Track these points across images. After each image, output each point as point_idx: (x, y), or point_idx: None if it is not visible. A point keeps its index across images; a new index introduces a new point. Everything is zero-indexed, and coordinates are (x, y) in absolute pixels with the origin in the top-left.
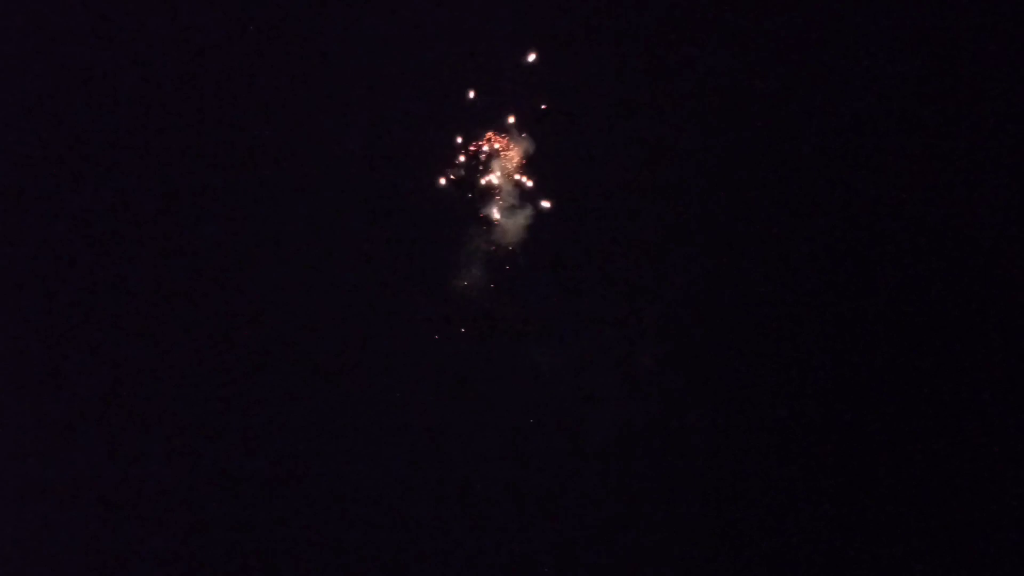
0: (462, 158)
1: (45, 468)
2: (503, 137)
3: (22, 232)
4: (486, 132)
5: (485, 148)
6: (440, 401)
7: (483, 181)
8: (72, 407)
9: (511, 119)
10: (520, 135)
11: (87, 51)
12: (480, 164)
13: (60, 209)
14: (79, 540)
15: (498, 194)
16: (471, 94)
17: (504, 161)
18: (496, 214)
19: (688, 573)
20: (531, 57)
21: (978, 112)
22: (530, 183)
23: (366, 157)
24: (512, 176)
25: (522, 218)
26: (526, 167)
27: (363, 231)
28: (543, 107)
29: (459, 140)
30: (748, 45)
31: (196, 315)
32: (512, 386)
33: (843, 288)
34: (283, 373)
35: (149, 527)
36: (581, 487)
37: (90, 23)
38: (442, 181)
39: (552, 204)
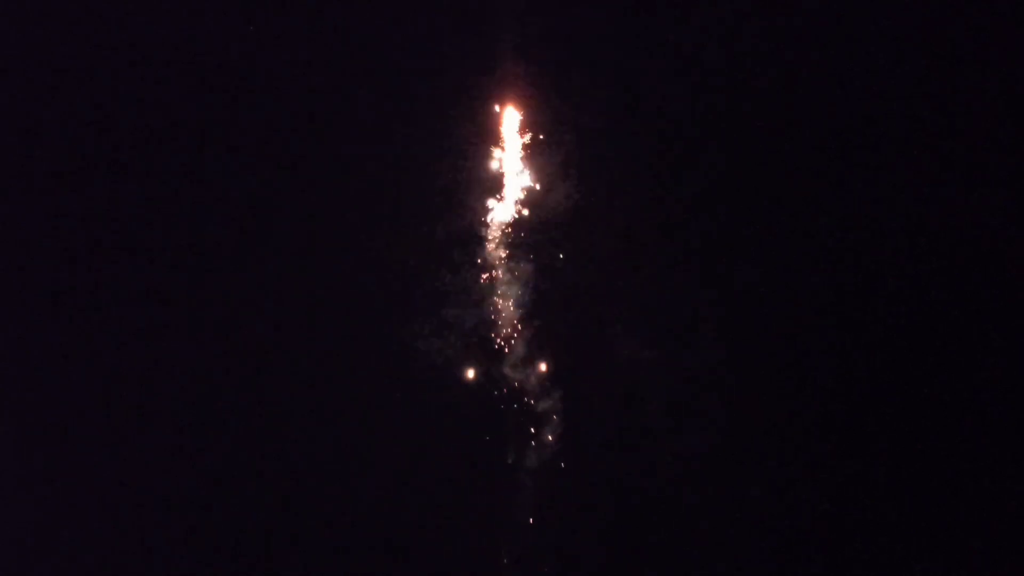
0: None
1: (45, 468)
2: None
3: (22, 232)
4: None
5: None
6: (441, 403)
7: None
8: (71, 407)
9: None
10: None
11: (86, 50)
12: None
13: (59, 208)
14: (79, 540)
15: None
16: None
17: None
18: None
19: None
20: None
21: (978, 112)
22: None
23: (369, 158)
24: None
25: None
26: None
27: (365, 233)
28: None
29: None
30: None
31: (196, 315)
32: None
33: (845, 289)
34: (283, 375)
35: (149, 527)
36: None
37: (88, 21)
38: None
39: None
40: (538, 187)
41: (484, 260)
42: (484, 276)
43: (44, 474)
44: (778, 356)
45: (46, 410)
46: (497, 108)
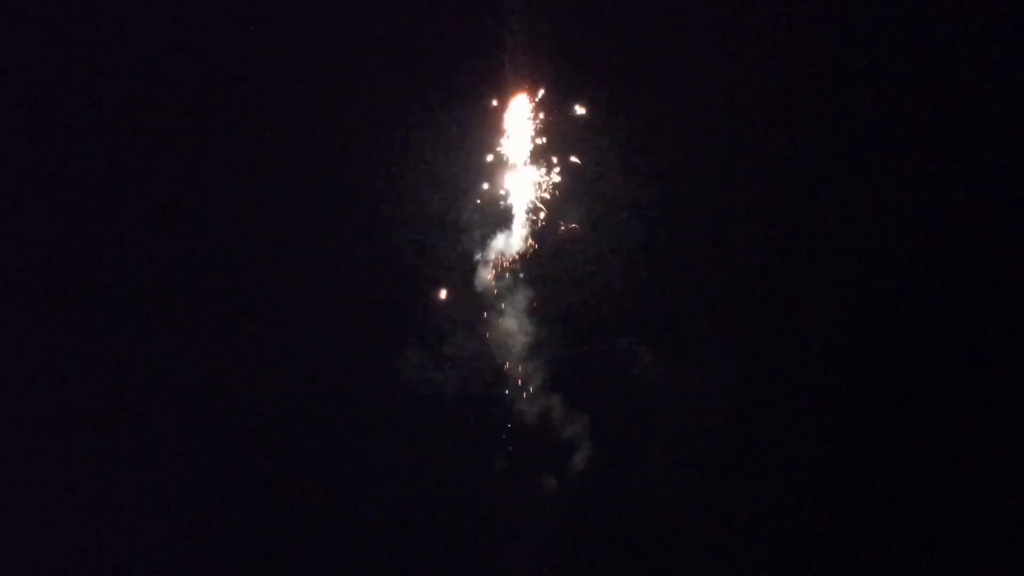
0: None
1: (44, 468)
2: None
3: (21, 232)
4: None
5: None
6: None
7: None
8: (71, 408)
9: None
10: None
11: (86, 49)
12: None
13: (59, 208)
14: (78, 540)
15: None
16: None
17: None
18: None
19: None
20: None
21: (978, 112)
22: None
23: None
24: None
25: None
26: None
27: (366, 233)
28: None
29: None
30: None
31: (196, 317)
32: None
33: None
34: (283, 376)
35: (149, 528)
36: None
37: (89, 20)
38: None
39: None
40: (541, 212)
41: (484, 289)
42: (484, 305)
43: (44, 474)
44: (783, 369)
45: (46, 410)
46: (500, 131)
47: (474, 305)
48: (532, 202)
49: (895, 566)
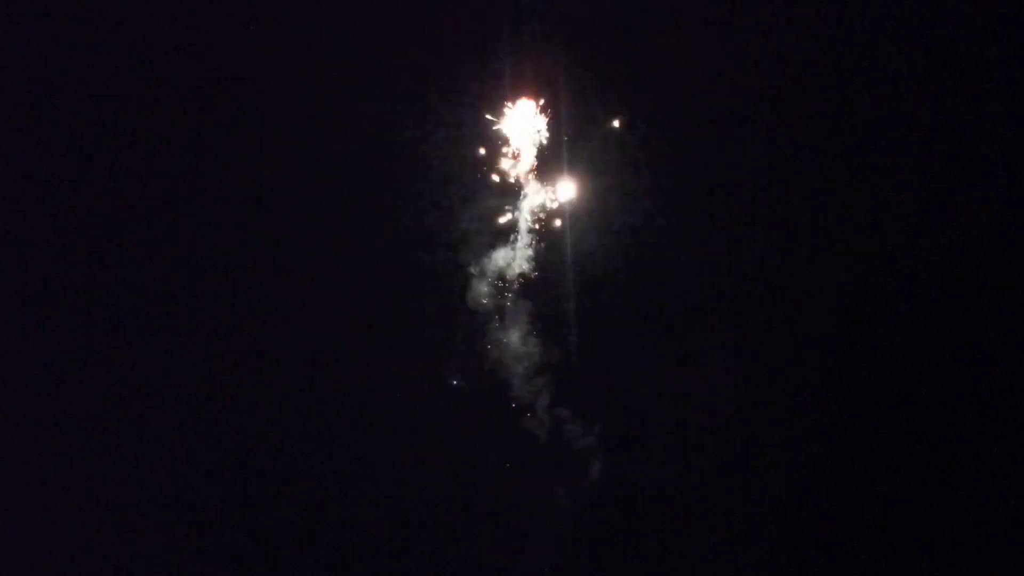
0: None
1: (44, 468)
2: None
3: (21, 232)
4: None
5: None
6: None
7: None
8: (71, 408)
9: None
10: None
11: (87, 49)
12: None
13: (59, 208)
14: (78, 540)
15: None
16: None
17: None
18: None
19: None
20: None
21: (978, 112)
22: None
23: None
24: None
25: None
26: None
27: (368, 233)
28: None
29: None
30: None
31: (197, 318)
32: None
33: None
34: (283, 376)
35: (149, 528)
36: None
37: (90, 20)
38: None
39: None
40: (540, 228)
41: (485, 302)
42: (483, 324)
43: (44, 474)
44: (783, 369)
45: (46, 410)
46: (503, 142)
47: (475, 318)
48: (535, 214)
49: (895, 566)
